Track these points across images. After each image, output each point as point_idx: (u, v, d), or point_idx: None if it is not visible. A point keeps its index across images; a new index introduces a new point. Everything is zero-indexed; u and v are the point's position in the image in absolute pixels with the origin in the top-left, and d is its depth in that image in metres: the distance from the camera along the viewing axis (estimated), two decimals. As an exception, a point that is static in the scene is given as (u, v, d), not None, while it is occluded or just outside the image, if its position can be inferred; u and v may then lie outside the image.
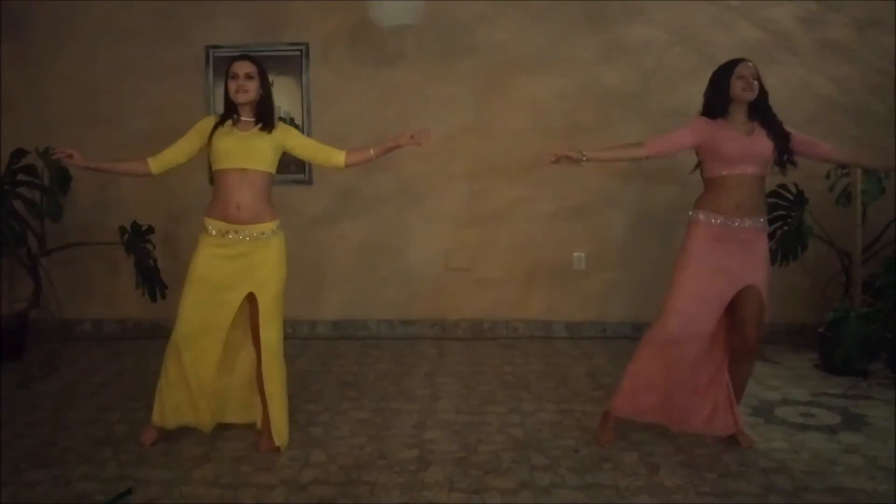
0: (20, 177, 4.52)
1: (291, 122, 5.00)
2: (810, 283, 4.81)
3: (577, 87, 4.94)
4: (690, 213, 3.14)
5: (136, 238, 4.66)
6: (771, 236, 4.42)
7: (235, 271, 3.10)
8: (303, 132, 4.97)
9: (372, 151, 3.25)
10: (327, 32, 4.99)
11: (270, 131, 3.14)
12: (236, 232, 3.08)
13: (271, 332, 3.15)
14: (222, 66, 5.00)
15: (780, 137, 3.03)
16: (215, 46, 4.99)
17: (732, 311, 3.10)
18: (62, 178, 4.62)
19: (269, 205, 3.16)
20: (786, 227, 4.40)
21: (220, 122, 3.15)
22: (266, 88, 3.16)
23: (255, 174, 3.09)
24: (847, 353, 4.06)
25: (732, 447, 3.15)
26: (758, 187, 3.07)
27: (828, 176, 4.40)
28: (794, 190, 4.36)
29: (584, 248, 5.02)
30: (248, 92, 3.09)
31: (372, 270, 5.12)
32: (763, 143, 3.02)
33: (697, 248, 3.07)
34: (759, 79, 3.05)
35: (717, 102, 3.08)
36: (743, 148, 2.99)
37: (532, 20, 4.91)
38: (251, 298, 3.14)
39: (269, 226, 3.14)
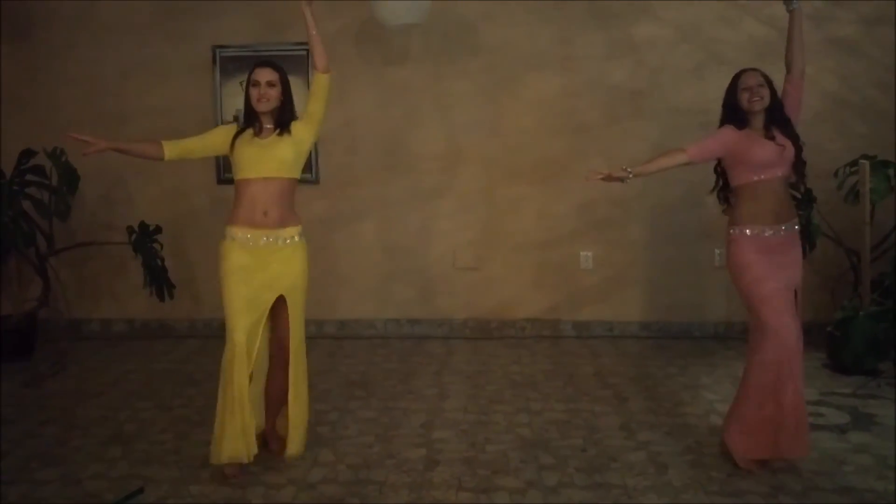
0: (28, 177, 4.56)
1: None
2: (819, 281, 4.78)
3: (584, 85, 4.93)
4: (731, 230, 3.03)
5: (144, 238, 4.68)
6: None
7: (266, 274, 3.01)
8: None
9: (314, 32, 3.15)
10: (333, 32, 4.98)
11: (290, 132, 3.06)
12: (266, 237, 3.01)
13: (299, 335, 3.10)
14: (229, 66, 5.06)
15: (797, 145, 2.99)
16: (222, 46, 5.00)
17: None
18: (70, 178, 4.63)
19: (293, 210, 3.12)
20: (794, 226, 4.38)
21: (241, 130, 3.07)
22: (288, 95, 3.09)
23: (280, 181, 3.03)
24: (856, 352, 4.06)
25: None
26: (787, 190, 3.04)
27: (836, 174, 4.39)
28: (802, 189, 4.34)
29: (592, 247, 5.01)
30: (269, 100, 3.01)
31: (379, 270, 5.12)
32: (789, 147, 2.96)
33: (748, 257, 2.96)
34: (769, 85, 2.96)
35: (734, 117, 3.00)
36: (772, 152, 2.93)
37: (538, 18, 4.90)
38: (277, 301, 3.06)
39: (295, 230, 3.09)
